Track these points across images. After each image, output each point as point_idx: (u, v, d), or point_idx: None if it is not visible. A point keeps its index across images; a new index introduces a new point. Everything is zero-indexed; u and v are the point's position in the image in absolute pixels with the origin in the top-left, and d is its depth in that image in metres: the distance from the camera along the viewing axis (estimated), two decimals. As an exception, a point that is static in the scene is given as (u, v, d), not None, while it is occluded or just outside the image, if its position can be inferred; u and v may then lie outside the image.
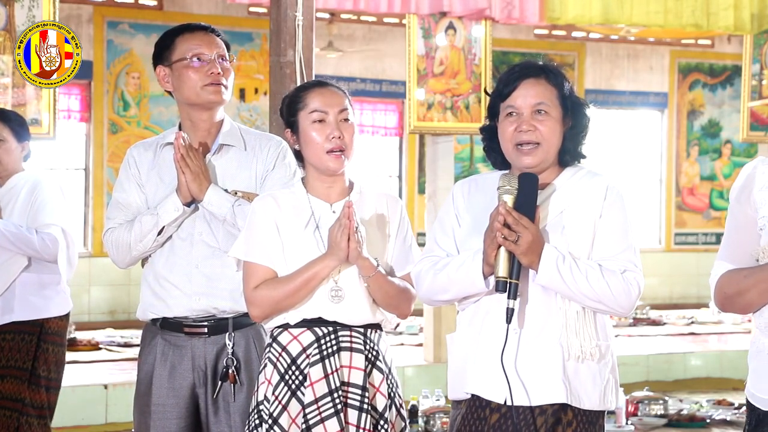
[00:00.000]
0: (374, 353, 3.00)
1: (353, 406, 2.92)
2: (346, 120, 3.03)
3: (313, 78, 5.36)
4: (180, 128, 3.39)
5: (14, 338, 4.48)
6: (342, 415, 2.89)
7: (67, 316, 4.63)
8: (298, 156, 3.10)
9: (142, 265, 3.45)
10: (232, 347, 3.29)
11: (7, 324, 4.48)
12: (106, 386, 6.94)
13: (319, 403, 2.89)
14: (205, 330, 3.31)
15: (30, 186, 4.52)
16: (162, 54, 3.37)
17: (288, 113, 3.07)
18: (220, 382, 3.29)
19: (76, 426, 6.41)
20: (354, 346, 2.96)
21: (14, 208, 4.49)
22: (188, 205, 3.28)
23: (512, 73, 2.84)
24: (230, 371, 3.27)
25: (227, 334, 3.30)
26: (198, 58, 3.31)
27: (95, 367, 7.76)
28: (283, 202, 3.03)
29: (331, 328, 2.96)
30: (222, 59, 3.35)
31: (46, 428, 4.54)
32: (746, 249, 2.59)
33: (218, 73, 3.31)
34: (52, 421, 4.62)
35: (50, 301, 4.54)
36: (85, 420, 6.70)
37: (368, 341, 2.99)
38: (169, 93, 3.43)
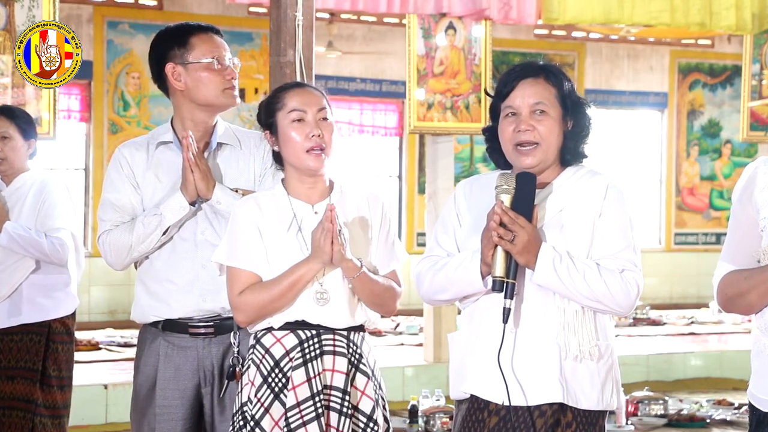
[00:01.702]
0: (357, 356, 3.00)
1: (334, 410, 2.92)
2: (325, 119, 3.02)
3: (314, 78, 5.36)
4: (172, 126, 3.39)
5: (22, 339, 4.48)
6: (323, 419, 2.88)
7: (73, 314, 4.63)
8: (277, 158, 3.09)
9: (136, 267, 3.43)
10: (238, 346, 3.29)
11: (15, 326, 4.48)
12: (106, 386, 6.94)
13: (301, 407, 2.88)
14: (211, 330, 3.30)
15: (38, 187, 4.51)
16: (173, 52, 3.34)
17: (266, 114, 3.06)
18: (226, 381, 3.28)
19: (76, 426, 6.39)
20: (337, 349, 2.96)
21: (22, 210, 4.48)
22: (192, 204, 3.27)
23: (511, 73, 2.84)
24: (237, 370, 3.27)
25: (232, 333, 3.29)
26: (216, 61, 3.33)
27: (95, 367, 7.77)
28: (264, 205, 3.02)
29: (314, 332, 2.95)
30: (233, 63, 3.39)
31: (60, 428, 4.54)
32: (748, 250, 2.58)
33: (236, 78, 3.36)
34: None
35: (58, 302, 4.54)
36: (85, 420, 6.70)
37: (351, 344, 2.99)
38: (163, 90, 3.43)
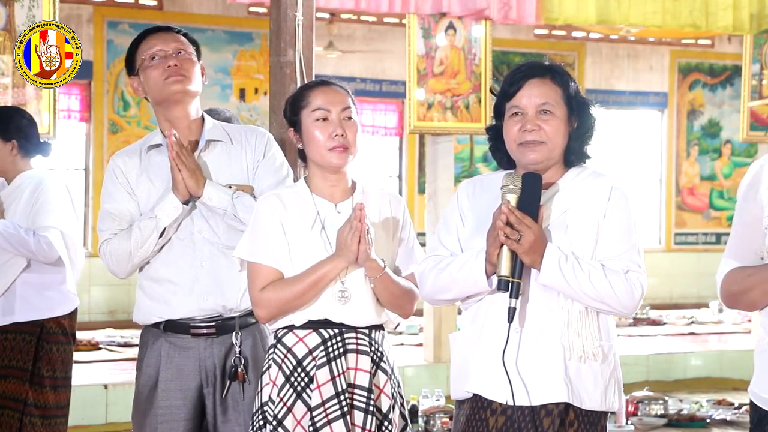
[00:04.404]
0: (379, 354, 3.01)
1: (359, 408, 2.92)
2: (349, 118, 3.03)
3: (314, 78, 5.36)
4: (161, 132, 3.39)
5: (15, 338, 4.47)
6: (348, 417, 2.89)
7: (72, 314, 4.61)
8: (302, 155, 3.10)
9: (139, 270, 3.43)
10: (239, 346, 3.28)
11: (8, 324, 4.47)
12: (106, 386, 6.94)
13: (326, 406, 2.89)
14: (214, 330, 3.30)
15: (33, 186, 4.49)
16: (130, 67, 3.39)
17: (291, 112, 3.07)
18: (229, 382, 3.28)
19: (76, 426, 6.40)
20: (360, 348, 2.96)
21: (17, 208, 4.47)
22: (186, 203, 3.27)
23: (517, 72, 2.84)
24: (239, 370, 3.26)
25: (234, 333, 3.29)
26: (155, 57, 3.31)
27: (95, 367, 7.76)
28: (287, 201, 3.02)
29: (337, 330, 2.96)
30: (181, 53, 3.33)
31: (51, 428, 4.52)
32: (752, 247, 2.59)
33: (175, 65, 3.29)
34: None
35: (52, 302, 4.52)
36: (85, 420, 6.70)
37: (373, 342, 3.00)
38: (147, 99, 3.44)
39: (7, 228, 4.36)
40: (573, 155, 2.84)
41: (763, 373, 2.57)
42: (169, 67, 3.29)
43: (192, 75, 3.33)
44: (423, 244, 3.05)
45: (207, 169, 3.32)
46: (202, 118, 3.41)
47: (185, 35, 3.40)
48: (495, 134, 2.89)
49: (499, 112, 2.87)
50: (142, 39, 3.37)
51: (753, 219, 2.59)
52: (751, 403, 2.61)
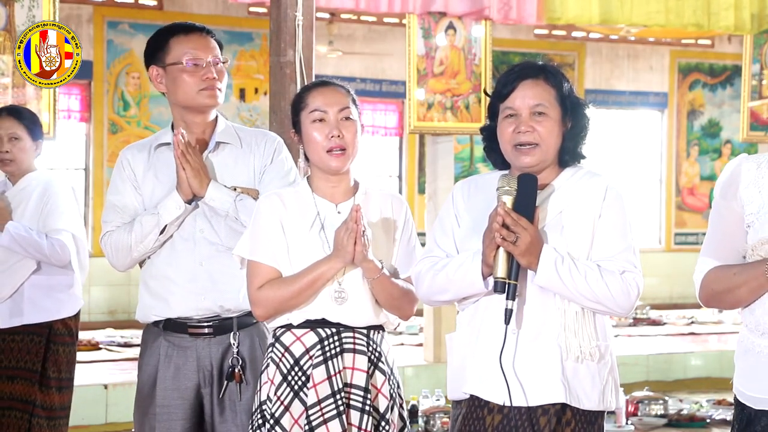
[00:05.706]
0: (377, 354, 3.01)
1: (355, 408, 2.92)
2: (347, 118, 3.03)
3: (313, 78, 5.36)
4: (173, 129, 3.39)
5: (23, 340, 4.47)
6: (344, 416, 2.89)
7: (77, 315, 4.62)
8: (306, 156, 3.10)
9: (141, 267, 3.44)
10: (237, 346, 3.29)
11: (17, 326, 4.47)
12: (106, 386, 6.95)
13: (322, 405, 2.89)
14: (210, 330, 3.30)
15: (42, 188, 4.50)
16: (156, 54, 3.36)
17: (292, 114, 3.10)
18: (226, 382, 3.28)
19: (76, 426, 6.40)
20: (357, 347, 2.97)
21: (25, 210, 4.48)
22: (189, 202, 3.28)
23: (511, 73, 2.84)
24: (236, 370, 3.27)
25: (232, 333, 3.30)
26: (194, 63, 3.31)
27: (95, 367, 7.77)
28: (288, 201, 3.03)
29: (334, 330, 2.96)
30: (218, 64, 3.35)
31: (55, 429, 4.53)
32: (732, 246, 2.58)
33: (213, 78, 3.31)
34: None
35: (60, 303, 4.54)
36: (85, 420, 6.70)
37: (371, 342, 3.00)
38: (162, 92, 3.44)
39: (18, 230, 4.37)
40: (567, 155, 2.84)
41: (750, 371, 2.56)
42: (207, 78, 3.30)
43: (223, 87, 3.36)
44: (423, 244, 3.05)
45: (213, 170, 3.34)
46: (216, 118, 3.43)
47: (213, 37, 3.38)
48: (489, 135, 2.90)
49: (493, 113, 2.88)
50: (176, 33, 3.35)
51: (733, 217, 2.58)
52: (738, 403, 2.59)
